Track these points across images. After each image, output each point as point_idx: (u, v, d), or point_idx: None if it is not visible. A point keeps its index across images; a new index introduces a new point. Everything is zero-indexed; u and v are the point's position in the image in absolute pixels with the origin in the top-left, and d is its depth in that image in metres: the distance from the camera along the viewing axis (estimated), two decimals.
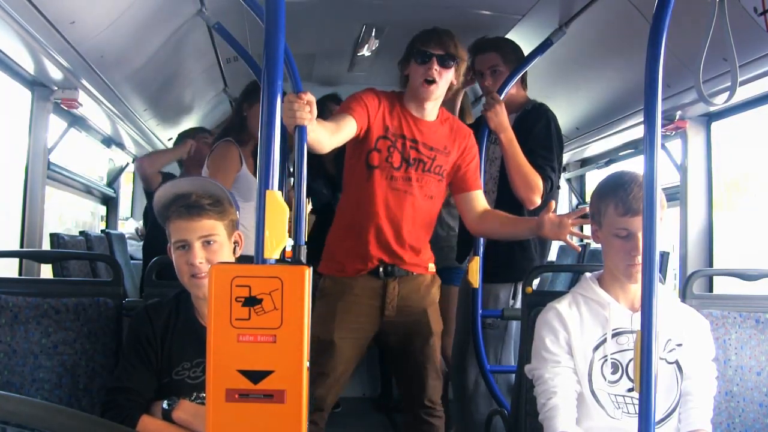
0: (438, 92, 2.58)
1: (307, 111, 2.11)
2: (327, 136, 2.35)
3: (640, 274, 1.42)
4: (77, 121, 4.02)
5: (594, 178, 5.20)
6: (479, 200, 2.73)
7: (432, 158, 2.62)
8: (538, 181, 2.93)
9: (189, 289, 2.05)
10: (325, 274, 2.66)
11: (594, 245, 4.50)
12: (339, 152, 2.71)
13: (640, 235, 1.90)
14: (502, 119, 2.94)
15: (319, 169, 3.88)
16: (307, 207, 3.50)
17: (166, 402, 1.97)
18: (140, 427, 1.93)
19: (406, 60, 2.63)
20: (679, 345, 2.00)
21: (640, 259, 1.89)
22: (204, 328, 2.01)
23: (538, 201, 2.96)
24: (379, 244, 2.58)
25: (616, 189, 1.97)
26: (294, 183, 2.16)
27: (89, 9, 2.52)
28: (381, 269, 2.59)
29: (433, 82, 2.54)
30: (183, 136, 4.27)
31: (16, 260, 3.21)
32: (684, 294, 2.46)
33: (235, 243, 2.10)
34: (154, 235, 4.09)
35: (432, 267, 2.72)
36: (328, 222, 2.80)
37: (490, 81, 3.09)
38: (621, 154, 4.52)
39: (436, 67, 2.53)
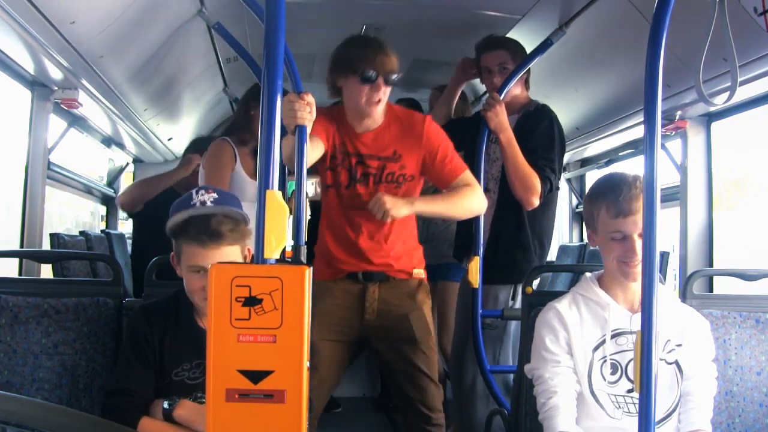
0: (382, 107, 2.52)
1: (307, 111, 2.11)
2: None
3: (640, 273, 1.41)
4: (77, 121, 4.01)
5: (594, 178, 5.19)
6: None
7: (381, 168, 2.55)
8: (536, 182, 2.92)
9: (198, 304, 2.05)
10: None
11: None
12: None
13: (635, 236, 1.90)
14: (502, 119, 2.93)
15: None
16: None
17: (166, 402, 1.97)
18: (140, 429, 1.93)
19: (341, 72, 2.50)
20: (679, 345, 2.00)
21: (637, 259, 1.89)
22: (203, 330, 2.01)
23: (536, 202, 2.95)
24: (346, 255, 2.58)
25: (606, 192, 1.96)
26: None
27: (89, 9, 2.52)
28: (360, 274, 2.57)
29: (379, 101, 2.48)
30: (193, 148, 4.09)
31: (16, 260, 3.21)
32: (684, 294, 2.46)
33: (244, 257, 2.07)
34: (142, 238, 4.06)
35: (418, 272, 2.65)
36: None
37: (498, 78, 3.07)
38: (621, 154, 4.52)
39: (383, 88, 2.46)
